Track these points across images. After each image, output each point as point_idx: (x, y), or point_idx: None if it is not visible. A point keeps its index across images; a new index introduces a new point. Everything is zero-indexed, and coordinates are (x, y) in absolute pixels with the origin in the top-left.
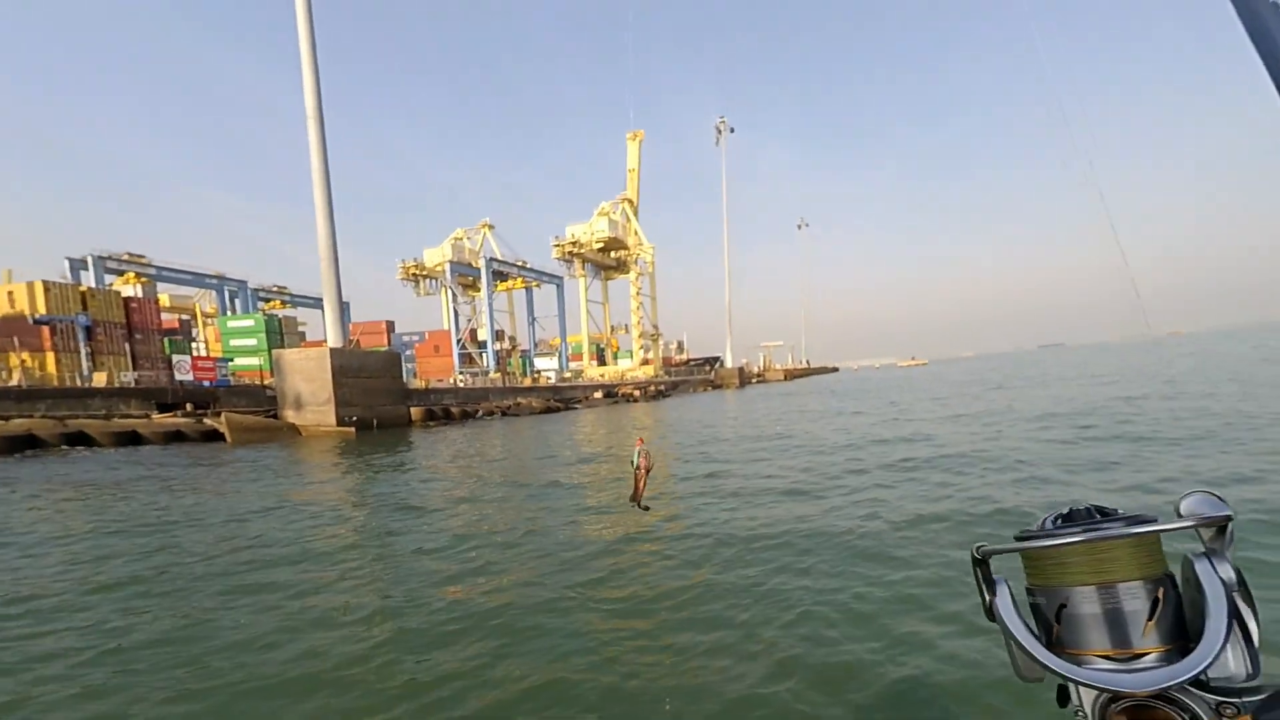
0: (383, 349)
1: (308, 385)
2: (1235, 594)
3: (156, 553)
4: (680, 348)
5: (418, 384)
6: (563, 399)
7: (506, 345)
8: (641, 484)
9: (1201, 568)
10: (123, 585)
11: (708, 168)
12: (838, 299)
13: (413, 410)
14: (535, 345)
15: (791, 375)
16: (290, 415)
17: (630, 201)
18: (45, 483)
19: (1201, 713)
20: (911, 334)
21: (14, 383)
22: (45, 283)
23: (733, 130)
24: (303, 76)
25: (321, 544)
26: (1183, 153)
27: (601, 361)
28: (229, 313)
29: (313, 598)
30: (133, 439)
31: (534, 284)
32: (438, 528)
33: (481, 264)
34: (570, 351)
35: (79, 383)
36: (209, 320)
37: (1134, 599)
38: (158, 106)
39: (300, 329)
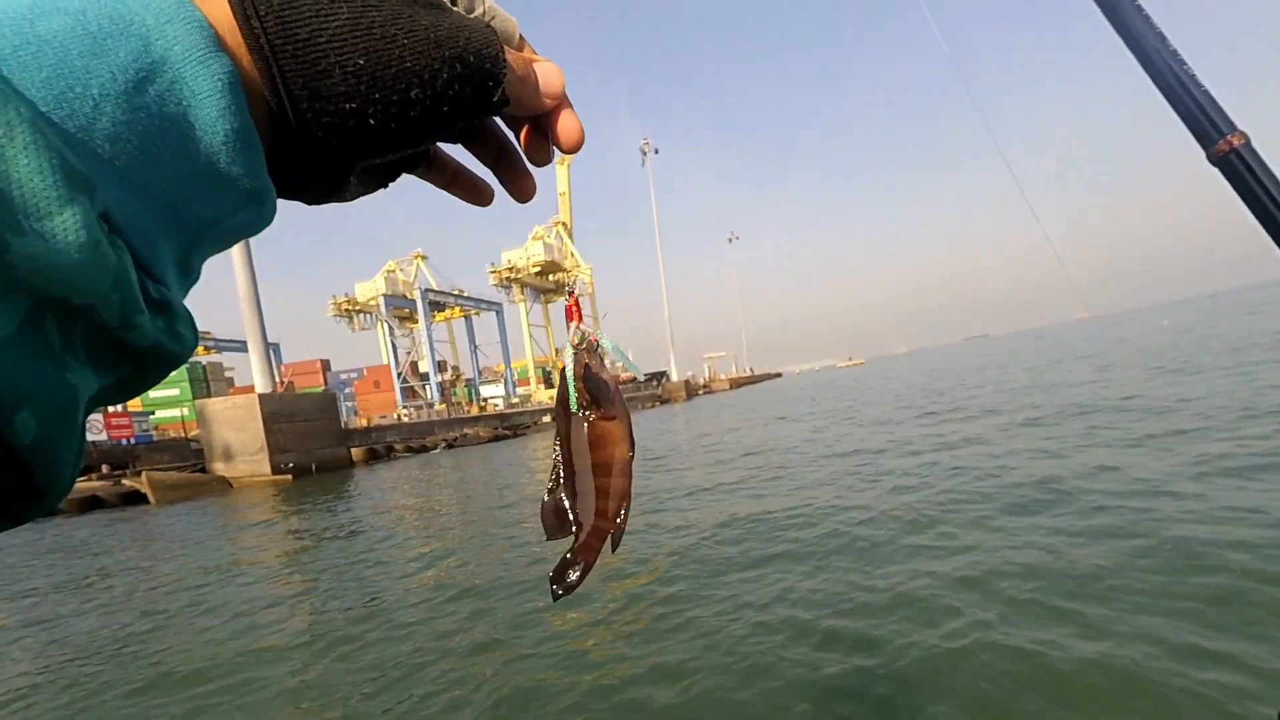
0: (318, 389)
1: (237, 435)
2: None
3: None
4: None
5: (359, 422)
6: (511, 426)
7: (450, 376)
8: (619, 459)
9: None
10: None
11: (636, 187)
12: (777, 304)
13: (354, 451)
14: (479, 373)
15: (737, 384)
16: (220, 468)
17: (564, 224)
18: None
19: None
20: (852, 331)
21: None
22: None
23: (657, 151)
24: None
25: (265, 618)
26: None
27: (549, 385)
28: None
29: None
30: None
31: (473, 312)
32: (396, 580)
33: (417, 295)
34: (516, 377)
35: None
36: None
37: None
38: None
39: (228, 374)
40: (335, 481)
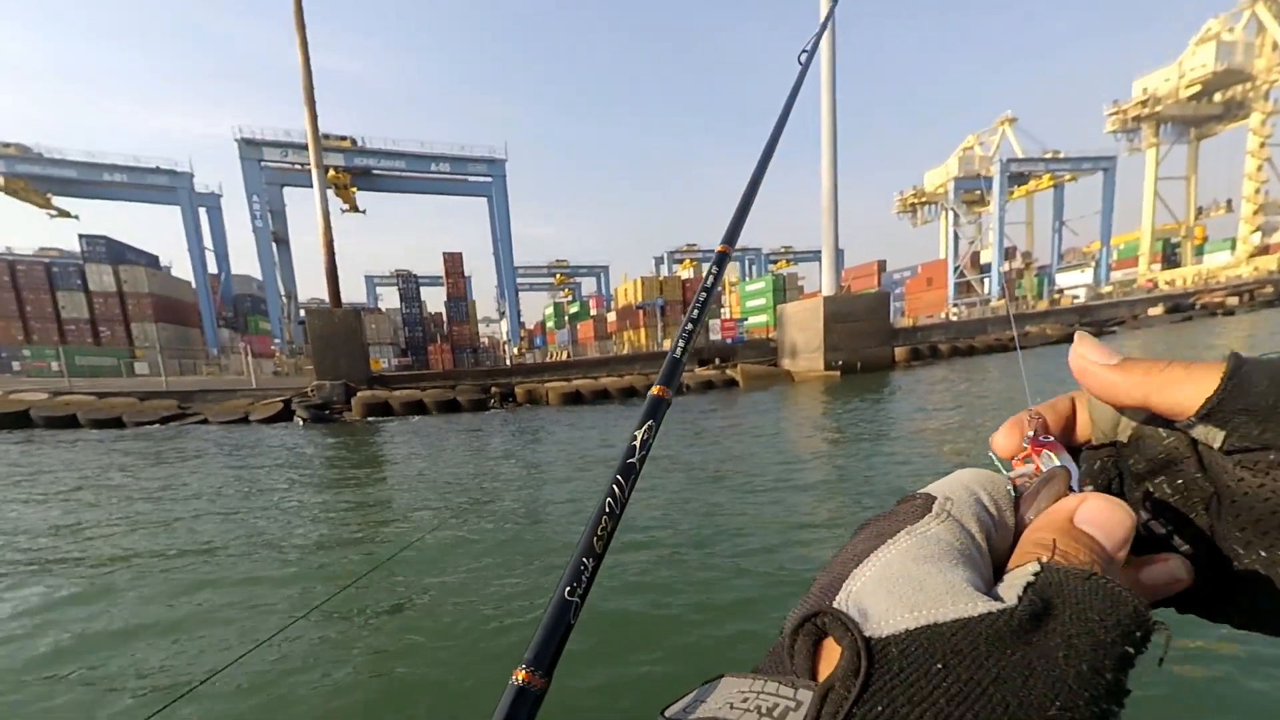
0: (871, 290)
1: (802, 334)
2: None
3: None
4: None
5: (905, 322)
6: (1092, 321)
7: (1017, 264)
8: None
9: None
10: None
11: None
12: None
13: (897, 350)
14: (1060, 258)
15: None
16: (786, 363)
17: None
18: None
19: None
20: None
21: (624, 351)
22: (642, 278)
23: None
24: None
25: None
26: None
27: (1171, 263)
28: (748, 277)
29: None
30: (682, 389)
31: (1067, 177)
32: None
33: (995, 170)
34: (1115, 257)
35: (654, 349)
36: (733, 286)
37: None
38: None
39: (800, 283)
40: (875, 380)
